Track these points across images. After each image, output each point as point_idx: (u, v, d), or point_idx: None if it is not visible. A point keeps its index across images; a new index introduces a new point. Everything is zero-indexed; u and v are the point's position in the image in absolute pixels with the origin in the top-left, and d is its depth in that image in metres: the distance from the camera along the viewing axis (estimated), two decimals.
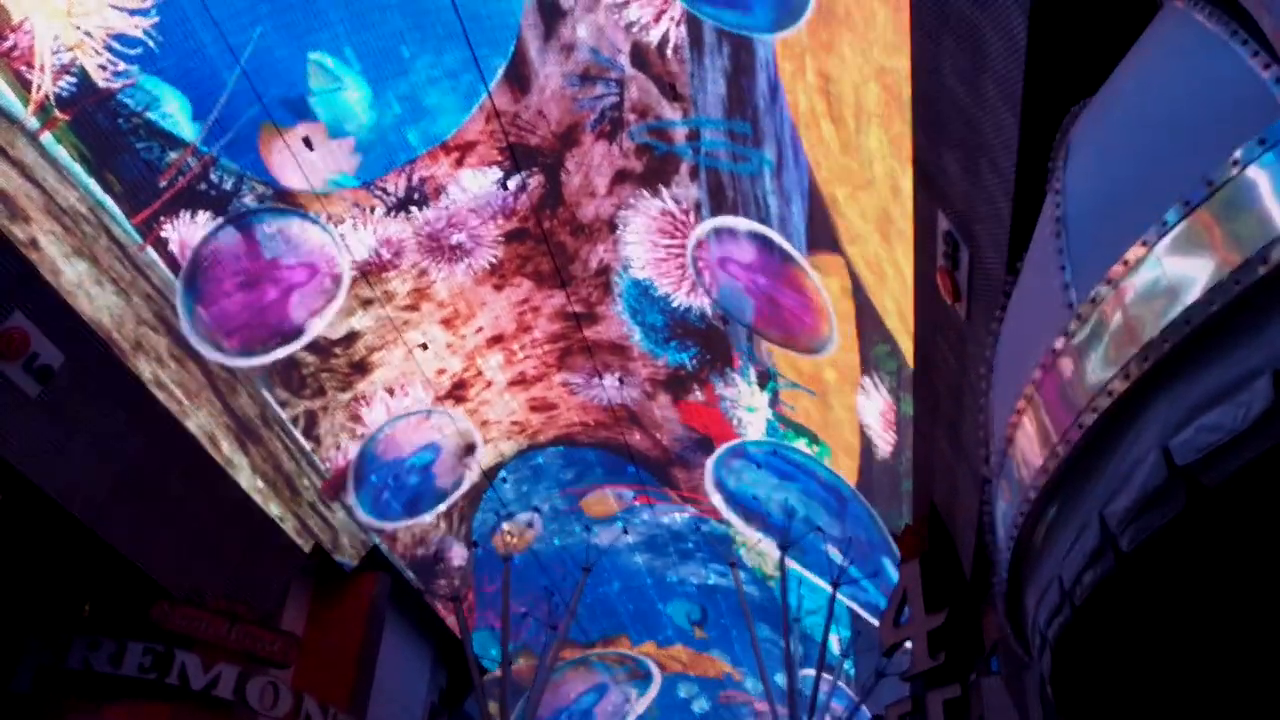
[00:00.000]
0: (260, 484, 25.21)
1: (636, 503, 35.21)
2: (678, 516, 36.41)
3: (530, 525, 34.33)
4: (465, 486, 31.82)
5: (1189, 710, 6.51)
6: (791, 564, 27.36)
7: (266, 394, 25.28)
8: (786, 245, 23.54)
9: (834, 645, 26.09)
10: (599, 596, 38.84)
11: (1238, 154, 4.25)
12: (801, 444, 30.26)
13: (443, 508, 31.57)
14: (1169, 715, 6.58)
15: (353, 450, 28.05)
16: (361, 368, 27.21)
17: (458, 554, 32.92)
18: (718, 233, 24.94)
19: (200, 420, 22.99)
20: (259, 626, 24.70)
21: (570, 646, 40.67)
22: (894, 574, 21.45)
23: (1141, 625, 5.54)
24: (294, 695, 24.85)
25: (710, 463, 32.87)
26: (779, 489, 31.15)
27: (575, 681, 43.96)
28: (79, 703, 21.78)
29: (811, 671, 26.53)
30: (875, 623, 25.20)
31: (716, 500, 33.94)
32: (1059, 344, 5.18)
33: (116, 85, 18.74)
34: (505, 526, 29.82)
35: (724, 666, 44.20)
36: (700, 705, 49.98)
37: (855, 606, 28.86)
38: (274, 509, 25.44)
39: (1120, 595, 5.08)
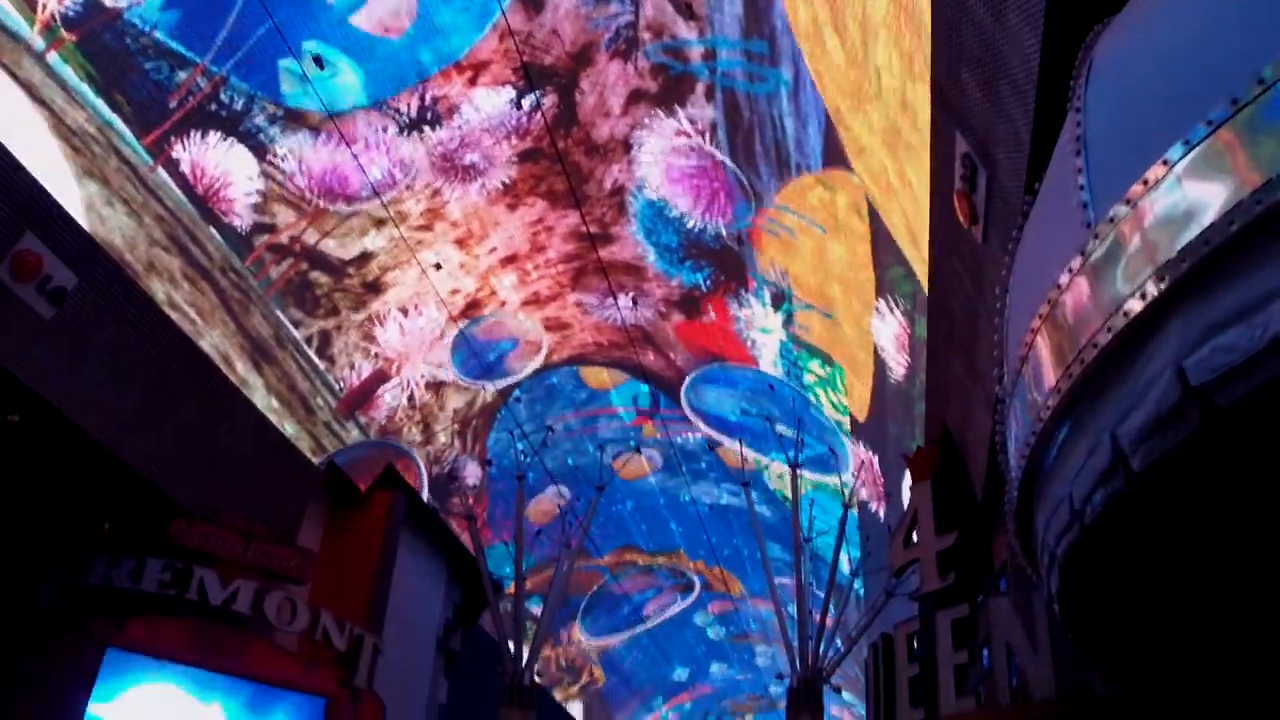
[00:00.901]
0: (275, 403, 25.41)
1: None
2: (690, 436, 36.60)
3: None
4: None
5: (1196, 630, 6.57)
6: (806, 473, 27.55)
7: (280, 314, 25.37)
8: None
9: (844, 565, 26.27)
10: (612, 515, 39.21)
11: (1264, 72, 4.18)
12: (815, 365, 30.30)
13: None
14: (1175, 635, 6.65)
15: (367, 369, 28.19)
16: (375, 288, 27.24)
17: (472, 473, 33.21)
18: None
19: (214, 340, 23.12)
20: (276, 544, 24.96)
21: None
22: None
23: (1150, 546, 5.56)
24: (311, 610, 25.15)
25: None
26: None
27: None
28: (101, 617, 22.13)
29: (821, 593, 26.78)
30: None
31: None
32: (1076, 263, 5.14)
33: (124, 4, 18.54)
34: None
35: (733, 582, 44.88)
36: (716, 632, 50.84)
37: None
38: (289, 428, 25.65)
39: (1130, 515, 5.10)
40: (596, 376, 34.23)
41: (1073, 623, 6.57)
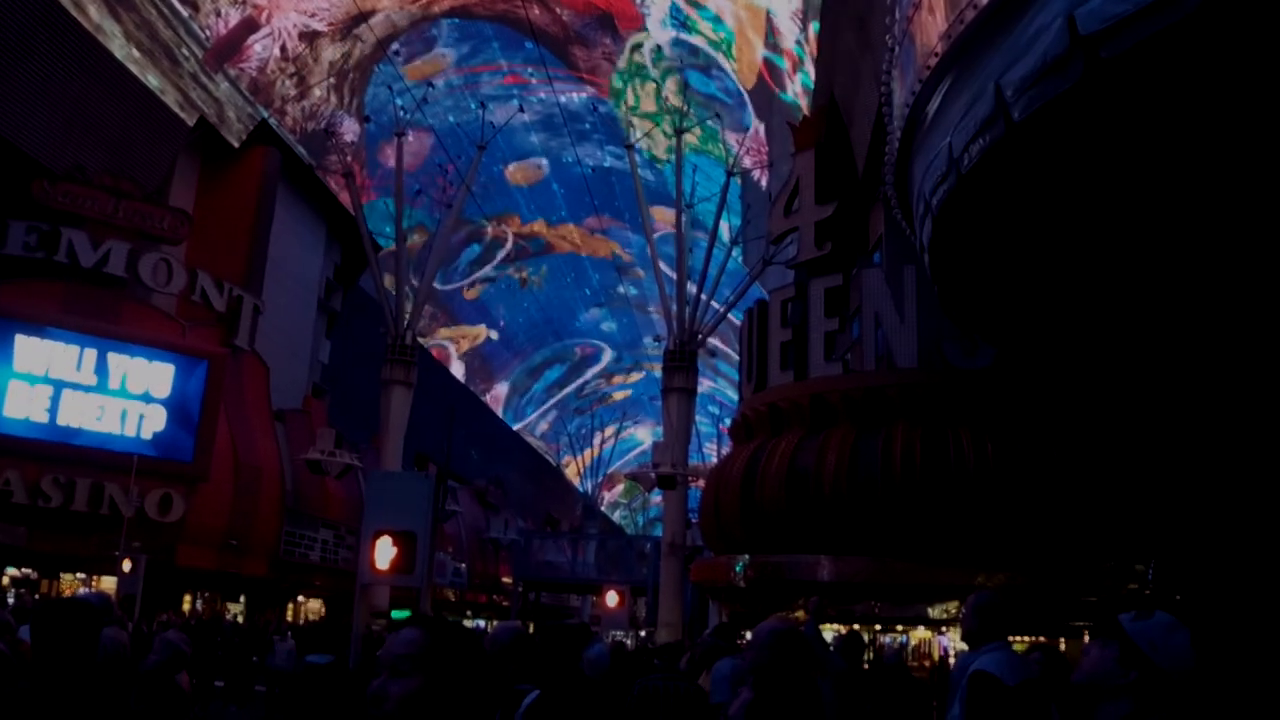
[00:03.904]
0: (136, 54, 23.90)
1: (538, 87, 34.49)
2: (575, 96, 35.81)
3: None
4: None
5: (1053, 281, 6.76)
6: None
7: None
8: None
9: (724, 233, 26.55)
10: (494, 176, 38.73)
11: None
12: (707, 28, 29.49)
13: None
14: (1034, 285, 6.83)
15: (235, 17, 26.59)
16: None
17: (350, 129, 32.20)
18: None
19: None
20: (147, 203, 24.26)
21: (464, 224, 41.46)
22: None
23: (1020, 200, 5.63)
24: (188, 271, 24.82)
25: None
26: None
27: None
28: None
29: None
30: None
31: None
32: None
33: None
34: None
35: (613, 247, 45.15)
36: (597, 298, 51.66)
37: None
38: (152, 81, 24.29)
39: (1005, 166, 5.11)
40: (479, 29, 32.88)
41: (940, 273, 6.71)
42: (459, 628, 1.71)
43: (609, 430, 54.02)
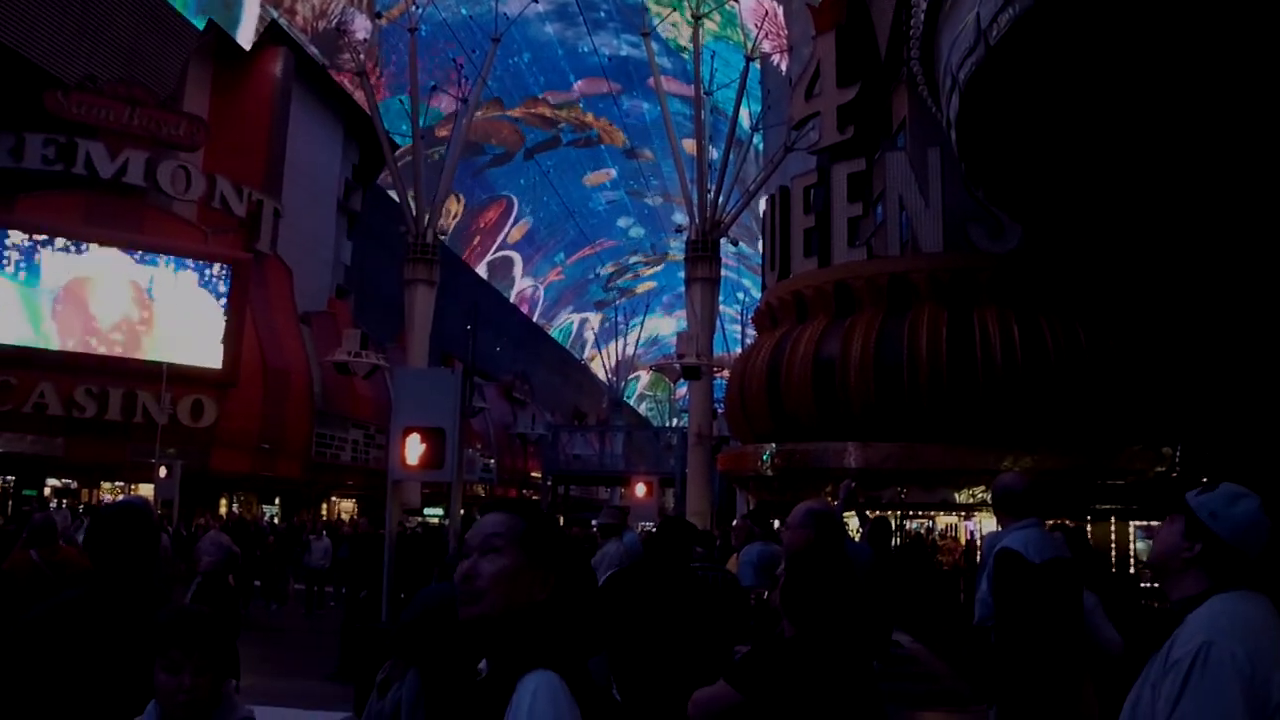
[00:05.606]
0: None
1: None
2: None
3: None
4: None
5: (1084, 157, 6.67)
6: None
7: None
8: None
9: (744, 120, 26.15)
10: (509, 68, 38.20)
11: None
12: None
13: None
14: (1062, 158, 6.75)
15: None
16: None
17: (361, 26, 31.75)
18: None
19: None
20: (162, 109, 24.13)
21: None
22: None
23: (1051, 67, 5.52)
24: (206, 177, 24.78)
25: None
26: None
27: None
28: None
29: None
30: None
31: None
32: None
33: None
34: None
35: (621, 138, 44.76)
36: (617, 190, 51.16)
37: None
38: None
39: (1035, 34, 5.00)
40: None
41: (967, 149, 6.62)
42: (542, 510, 1.75)
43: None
